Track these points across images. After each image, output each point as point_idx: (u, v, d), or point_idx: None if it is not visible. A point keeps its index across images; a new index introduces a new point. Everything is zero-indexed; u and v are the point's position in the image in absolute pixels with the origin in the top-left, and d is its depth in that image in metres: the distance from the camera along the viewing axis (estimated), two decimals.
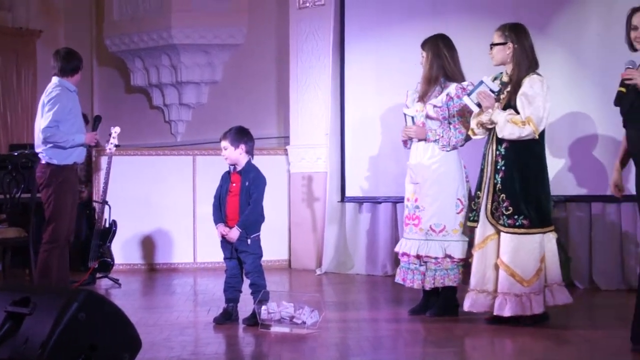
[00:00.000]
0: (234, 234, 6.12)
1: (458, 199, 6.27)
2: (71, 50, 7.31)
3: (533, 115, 5.70)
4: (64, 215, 6.94)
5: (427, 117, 6.31)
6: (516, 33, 5.89)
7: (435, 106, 6.28)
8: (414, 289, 6.47)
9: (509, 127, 5.71)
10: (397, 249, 6.55)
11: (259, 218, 6.22)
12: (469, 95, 5.93)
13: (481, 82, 5.88)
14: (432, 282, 6.26)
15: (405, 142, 6.52)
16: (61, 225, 6.92)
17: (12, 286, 4.88)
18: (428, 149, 6.32)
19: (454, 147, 6.28)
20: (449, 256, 6.22)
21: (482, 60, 7.25)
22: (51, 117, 6.87)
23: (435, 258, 6.23)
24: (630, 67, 4.89)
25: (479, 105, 5.86)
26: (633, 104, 4.91)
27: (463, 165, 6.36)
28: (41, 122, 6.89)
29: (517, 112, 5.75)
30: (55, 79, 7.07)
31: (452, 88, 6.26)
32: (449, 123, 6.27)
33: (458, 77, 6.33)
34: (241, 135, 6.22)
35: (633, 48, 5.05)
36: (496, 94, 5.86)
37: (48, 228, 6.92)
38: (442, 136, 6.25)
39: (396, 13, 8.89)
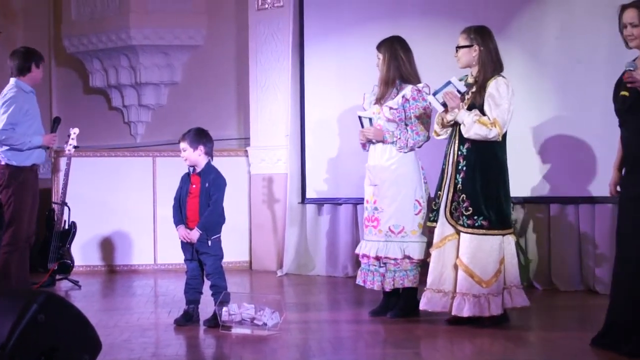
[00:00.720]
0: (195, 235, 6.11)
1: (416, 200, 6.31)
2: (26, 49, 7.28)
3: (499, 117, 5.76)
4: (24, 217, 6.91)
5: (386, 119, 6.33)
6: (482, 35, 5.93)
7: (391, 108, 6.31)
8: (374, 291, 6.50)
9: (476, 128, 5.75)
10: (357, 250, 6.59)
11: (219, 219, 6.21)
12: (434, 94, 5.96)
13: (449, 82, 5.91)
14: (392, 283, 6.29)
15: (363, 145, 6.54)
16: (21, 227, 6.90)
17: None
18: (386, 150, 6.35)
19: (412, 149, 6.31)
20: (408, 257, 6.25)
21: (438, 61, 7.34)
22: (6, 120, 6.86)
23: (395, 259, 6.26)
24: (631, 69, 4.84)
25: (444, 105, 5.90)
26: (632, 105, 4.91)
27: (421, 166, 6.40)
28: None
29: (483, 113, 5.79)
30: (11, 80, 7.05)
31: (408, 90, 6.30)
32: (406, 125, 6.30)
33: (414, 79, 6.37)
34: (200, 137, 6.21)
35: (628, 46, 5.07)
36: (462, 94, 5.91)
37: (8, 230, 6.87)
38: (400, 138, 6.28)
39: (355, 15, 8.92)
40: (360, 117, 6.43)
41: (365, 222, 6.52)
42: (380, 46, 6.43)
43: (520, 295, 5.91)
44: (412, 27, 7.82)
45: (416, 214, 6.29)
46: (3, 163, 6.93)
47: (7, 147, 6.88)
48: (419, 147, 6.36)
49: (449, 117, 5.87)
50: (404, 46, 6.40)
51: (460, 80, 6.02)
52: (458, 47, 5.98)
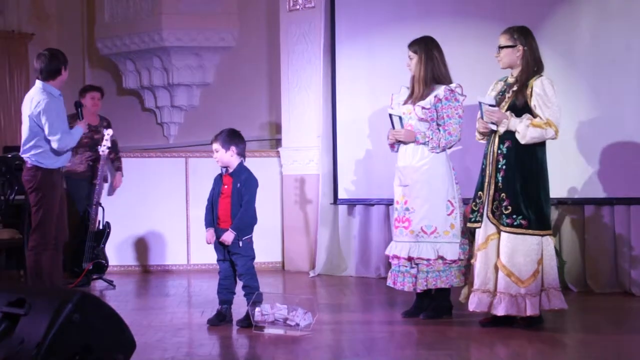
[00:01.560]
0: (229, 237, 6.12)
1: (448, 200, 6.28)
2: (53, 51, 7.17)
3: (551, 117, 5.75)
4: (52, 219, 6.90)
5: (418, 119, 6.30)
6: (525, 35, 5.90)
7: (424, 108, 6.28)
8: (407, 292, 6.46)
9: (531, 132, 5.73)
10: (387, 252, 6.55)
11: (252, 220, 6.21)
12: (482, 118, 5.95)
13: (480, 104, 5.91)
14: (425, 284, 6.26)
15: (392, 145, 6.51)
16: (50, 229, 6.88)
17: (7, 287, 4.86)
18: (417, 151, 6.31)
19: (443, 149, 6.28)
20: (441, 257, 6.22)
21: (469, 62, 7.30)
22: (56, 127, 6.80)
23: (427, 260, 6.23)
24: None
25: (494, 123, 5.88)
26: None
27: (452, 167, 6.37)
28: (47, 136, 6.82)
29: (526, 112, 5.76)
30: (38, 84, 6.96)
31: (441, 90, 6.26)
32: (438, 125, 6.27)
33: (446, 79, 6.34)
34: (232, 138, 6.22)
35: None
36: (495, 105, 5.89)
37: (37, 231, 6.88)
38: (432, 138, 6.25)
39: (386, 15, 8.89)
40: (390, 115, 6.39)
41: (395, 223, 6.48)
42: (413, 46, 6.39)
43: (558, 298, 5.86)
44: (442, 28, 7.77)
45: (448, 214, 6.26)
46: (30, 165, 6.89)
47: (39, 151, 6.88)
48: (450, 147, 6.33)
49: (501, 129, 5.82)
50: (437, 46, 6.38)
51: (500, 80, 6.00)
52: (501, 47, 5.94)
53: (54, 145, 6.80)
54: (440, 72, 6.32)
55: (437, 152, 6.27)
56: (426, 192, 6.26)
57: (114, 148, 8.76)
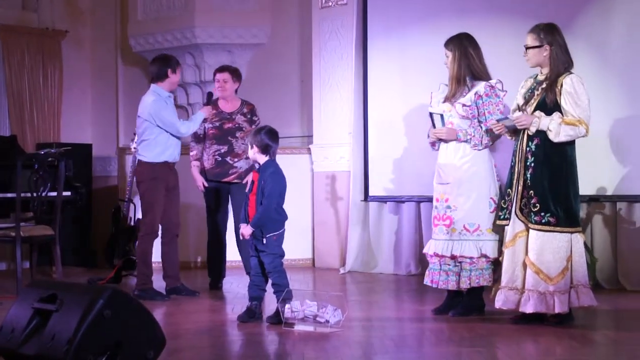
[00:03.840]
0: (247, 230, 6.12)
1: (491, 197, 6.25)
2: (163, 56, 7.69)
3: (582, 115, 5.73)
4: (155, 209, 7.38)
5: (459, 117, 6.28)
6: (551, 34, 5.86)
7: (464, 105, 6.25)
8: (438, 289, 6.44)
9: (564, 130, 5.71)
10: (425, 250, 6.52)
11: (273, 216, 6.12)
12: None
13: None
14: (468, 282, 6.23)
15: (433, 144, 6.50)
16: (153, 219, 7.38)
17: (39, 283, 4.91)
18: (459, 148, 6.28)
19: (486, 146, 6.26)
20: (484, 255, 6.20)
21: (503, 58, 7.26)
22: (166, 119, 7.38)
23: (470, 258, 6.20)
24: None
25: (514, 130, 5.96)
26: None
27: (494, 164, 6.34)
28: (170, 132, 7.43)
29: (556, 109, 5.74)
30: (151, 87, 7.54)
31: (481, 87, 6.24)
32: (479, 122, 6.25)
33: (485, 75, 6.31)
34: (255, 134, 6.23)
35: None
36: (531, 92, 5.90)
37: (142, 221, 7.58)
38: (474, 135, 6.23)
39: (419, 11, 8.88)
40: (431, 114, 6.36)
41: (434, 220, 6.42)
42: (448, 44, 6.36)
43: (587, 295, 5.83)
44: (476, 24, 7.73)
45: (491, 212, 6.23)
46: (138, 160, 7.55)
47: (143, 144, 7.44)
48: (492, 144, 6.31)
49: (532, 129, 5.80)
50: (472, 42, 6.34)
51: (530, 77, 5.99)
52: (527, 48, 5.92)
53: (177, 133, 7.43)
54: (478, 69, 6.29)
55: (479, 150, 6.25)
56: (468, 190, 6.24)
57: None
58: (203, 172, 7.96)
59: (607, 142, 7.66)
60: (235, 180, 7.86)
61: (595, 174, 7.62)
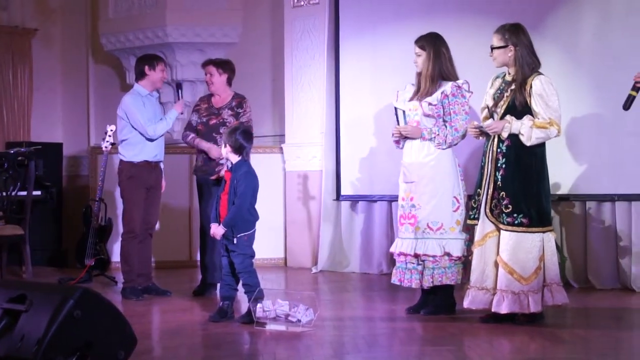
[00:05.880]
0: (219, 231, 6.11)
1: (454, 196, 6.28)
2: (143, 55, 7.78)
3: (553, 116, 5.76)
4: (134, 208, 7.35)
5: (424, 114, 6.30)
6: (516, 34, 5.89)
7: (430, 104, 6.28)
8: (410, 288, 6.47)
9: (536, 133, 5.73)
10: (392, 249, 6.54)
11: (245, 216, 6.13)
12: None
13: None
14: (431, 281, 6.26)
15: (397, 142, 6.51)
16: (132, 218, 7.37)
17: (8, 283, 4.88)
18: (424, 147, 6.31)
19: (450, 145, 6.29)
20: (448, 254, 6.22)
21: (473, 58, 7.29)
22: (139, 123, 7.34)
23: (433, 256, 6.23)
24: None
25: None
26: None
27: (458, 163, 6.37)
28: (137, 130, 7.39)
29: (527, 111, 5.77)
30: (134, 85, 7.59)
31: (448, 86, 6.26)
32: (445, 121, 6.27)
33: (453, 76, 6.34)
34: (229, 134, 6.22)
35: None
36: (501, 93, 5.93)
37: (122, 220, 7.50)
38: (438, 134, 6.25)
39: (390, 11, 8.89)
40: (395, 109, 6.40)
41: (400, 219, 6.46)
42: (421, 42, 6.36)
43: (561, 293, 5.89)
44: (446, 24, 7.76)
45: (454, 211, 6.27)
46: (119, 159, 7.50)
47: (123, 143, 7.40)
48: (456, 144, 6.33)
49: (504, 134, 5.82)
50: (444, 43, 6.37)
51: (497, 77, 6.01)
52: (493, 48, 5.95)
53: (146, 135, 7.35)
54: (448, 69, 6.32)
55: (443, 149, 6.27)
56: (432, 189, 6.26)
57: None
58: (196, 168, 7.77)
59: (576, 141, 7.71)
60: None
61: (565, 173, 7.68)
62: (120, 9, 10.66)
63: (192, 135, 7.62)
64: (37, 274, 8.76)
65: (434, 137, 6.26)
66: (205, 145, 7.51)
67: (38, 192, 8.09)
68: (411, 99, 6.40)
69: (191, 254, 9.69)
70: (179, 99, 7.72)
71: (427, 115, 6.29)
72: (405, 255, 6.33)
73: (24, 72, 10.71)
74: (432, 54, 6.30)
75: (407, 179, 6.39)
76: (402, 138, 6.42)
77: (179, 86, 7.86)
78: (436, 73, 6.29)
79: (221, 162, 7.43)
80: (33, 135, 10.78)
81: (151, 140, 7.42)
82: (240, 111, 7.65)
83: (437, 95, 6.27)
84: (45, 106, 11.08)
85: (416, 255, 6.28)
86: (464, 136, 6.29)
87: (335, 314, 6.52)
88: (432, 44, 6.33)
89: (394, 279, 6.45)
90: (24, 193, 7.51)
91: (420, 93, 6.34)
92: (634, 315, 6.62)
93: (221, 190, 6.24)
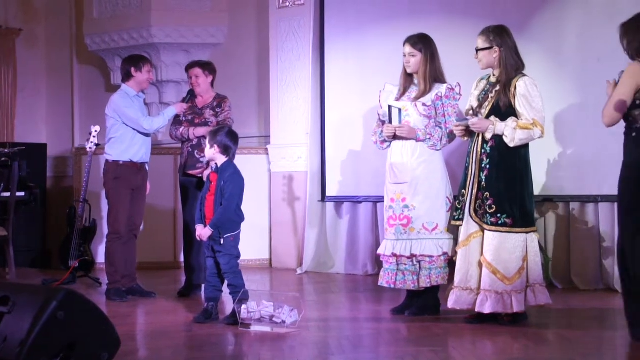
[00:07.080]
0: (206, 232, 6.11)
1: (447, 197, 6.31)
2: (129, 56, 7.78)
3: (537, 117, 5.78)
4: (120, 209, 7.32)
5: (420, 115, 6.29)
6: (500, 36, 5.91)
7: (424, 105, 6.29)
8: (395, 289, 6.45)
9: (519, 135, 5.76)
10: (380, 251, 6.49)
11: (233, 217, 6.14)
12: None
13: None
14: (428, 281, 6.25)
15: (383, 142, 6.49)
16: (116, 218, 7.34)
17: None
18: (416, 148, 6.29)
19: (443, 146, 6.31)
20: (445, 254, 6.24)
21: (458, 59, 7.29)
22: (130, 116, 7.34)
23: (430, 256, 6.23)
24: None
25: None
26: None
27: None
28: (135, 129, 7.40)
29: (511, 113, 5.79)
30: (121, 86, 7.57)
31: (443, 88, 6.27)
32: (438, 122, 6.28)
33: (442, 78, 6.36)
34: (214, 134, 6.21)
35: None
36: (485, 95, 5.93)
37: (108, 221, 7.46)
38: (433, 135, 6.26)
39: (377, 12, 8.91)
40: (390, 108, 6.34)
41: (389, 221, 6.40)
42: (418, 43, 6.34)
43: (544, 293, 5.91)
44: (432, 25, 7.77)
45: (447, 211, 6.29)
46: (106, 160, 7.47)
47: (110, 142, 7.38)
48: (448, 145, 6.36)
49: (488, 135, 5.84)
50: (435, 45, 6.39)
51: (482, 79, 6.03)
52: (478, 50, 5.96)
53: (141, 129, 7.36)
54: (441, 71, 6.37)
55: (437, 149, 6.28)
56: (427, 189, 6.27)
57: None
58: (180, 167, 7.81)
59: (560, 143, 7.74)
60: (200, 175, 7.76)
61: (549, 174, 7.71)
62: (104, 9, 10.63)
63: (184, 127, 7.66)
64: (20, 276, 8.73)
65: (429, 138, 6.26)
66: (201, 130, 7.54)
67: (22, 193, 8.05)
68: (398, 99, 6.40)
69: (176, 255, 9.69)
70: (183, 101, 7.70)
71: (422, 116, 6.28)
72: (398, 256, 6.30)
73: (7, 72, 10.67)
74: (429, 55, 6.32)
75: (397, 180, 6.35)
76: (392, 138, 6.40)
77: (190, 92, 7.82)
78: (433, 74, 6.31)
79: (201, 159, 7.46)
80: (17, 135, 10.74)
81: (147, 135, 7.44)
82: (219, 110, 7.73)
83: (431, 96, 6.28)
84: (29, 107, 11.04)
85: (412, 256, 6.27)
86: (454, 137, 6.29)
87: (320, 315, 6.52)
88: (429, 45, 6.35)
89: (382, 282, 6.42)
90: (8, 194, 7.49)
91: (418, 94, 6.33)
92: (617, 315, 6.62)
93: (206, 191, 6.23)
